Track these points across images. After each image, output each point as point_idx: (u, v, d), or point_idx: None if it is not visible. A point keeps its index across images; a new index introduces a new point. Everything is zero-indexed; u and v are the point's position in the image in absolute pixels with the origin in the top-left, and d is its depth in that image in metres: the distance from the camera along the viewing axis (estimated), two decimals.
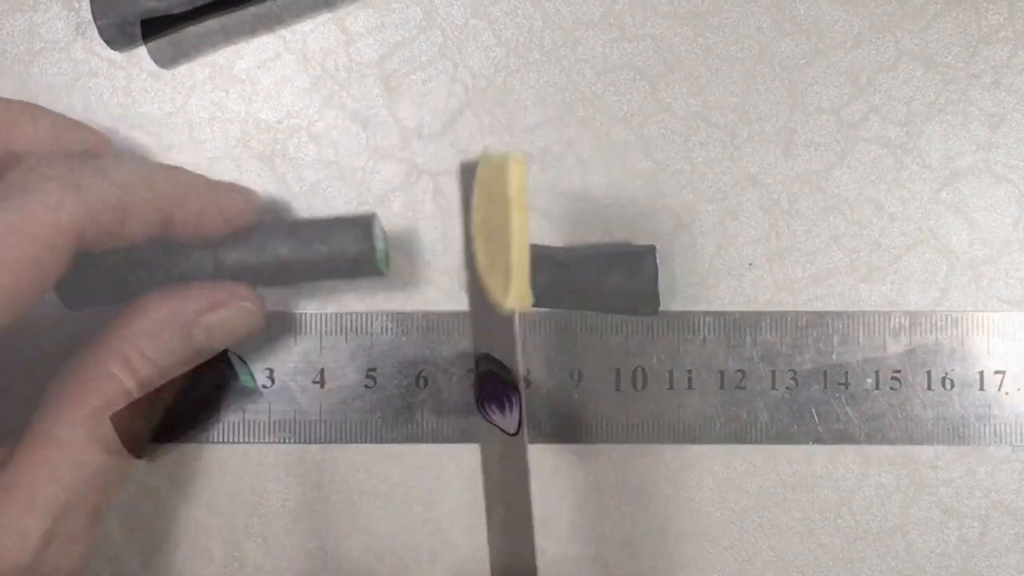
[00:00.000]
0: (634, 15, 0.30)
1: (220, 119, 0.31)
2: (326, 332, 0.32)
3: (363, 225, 0.28)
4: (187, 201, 0.25)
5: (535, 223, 0.30)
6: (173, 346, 0.25)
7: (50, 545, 0.24)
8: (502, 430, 0.28)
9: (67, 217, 0.22)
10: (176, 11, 0.29)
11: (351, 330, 0.32)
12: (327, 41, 0.31)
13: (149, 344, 0.25)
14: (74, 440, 0.24)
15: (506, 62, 0.30)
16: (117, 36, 0.29)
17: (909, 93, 0.30)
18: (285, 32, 0.31)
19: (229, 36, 0.31)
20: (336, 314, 0.31)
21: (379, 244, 0.28)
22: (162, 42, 0.31)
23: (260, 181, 0.31)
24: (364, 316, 0.32)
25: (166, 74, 0.31)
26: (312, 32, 0.31)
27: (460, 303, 0.31)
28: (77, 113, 0.31)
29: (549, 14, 0.30)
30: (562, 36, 0.30)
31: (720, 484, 0.30)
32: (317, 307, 0.31)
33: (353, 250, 0.27)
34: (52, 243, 0.22)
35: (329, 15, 0.31)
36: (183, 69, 0.31)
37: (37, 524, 0.24)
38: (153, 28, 0.30)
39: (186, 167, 0.30)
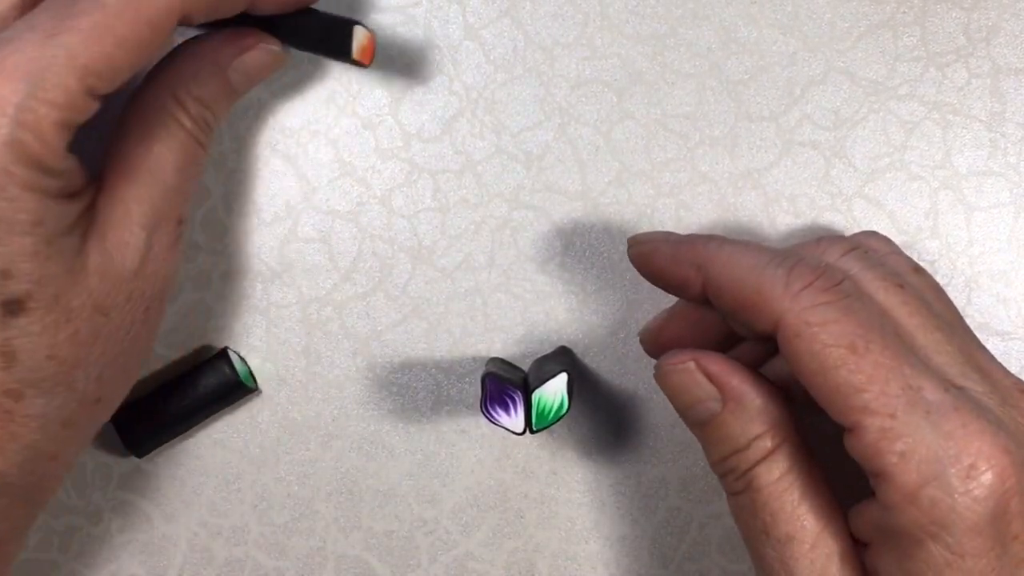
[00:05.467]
0: (603, 36, 0.31)
1: (252, 126, 0.32)
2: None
3: (222, 359, 0.30)
4: None
5: (520, 213, 0.32)
6: (213, 87, 0.27)
7: (149, 253, 0.25)
8: (509, 431, 0.27)
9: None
10: None
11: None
12: None
13: (194, 85, 0.26)
14: (154, 166, 0.26)
15: (494, 76, 0.32)
16: None
17: (837, 103, 0.31)
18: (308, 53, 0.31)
19: None
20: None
21: (240, 367, 0.30)
22: None
23: (284, 178, 0.32)
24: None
25: None
26: None
27: (459, 297, 0.32)
28: None
29: (531, 36, 0.32)
30: (542, 54, 0.32)
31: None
32: (315, 310, 0.32)
33: (220, 384, 0.30)
34: (160, 24, 0.23)
35: None
36: None
37: (135, 236, 0.25)
38: None
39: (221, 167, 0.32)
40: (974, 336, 0.26)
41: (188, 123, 0.26)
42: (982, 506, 0.21)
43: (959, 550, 0.21)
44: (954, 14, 0.31)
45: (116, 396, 0.27)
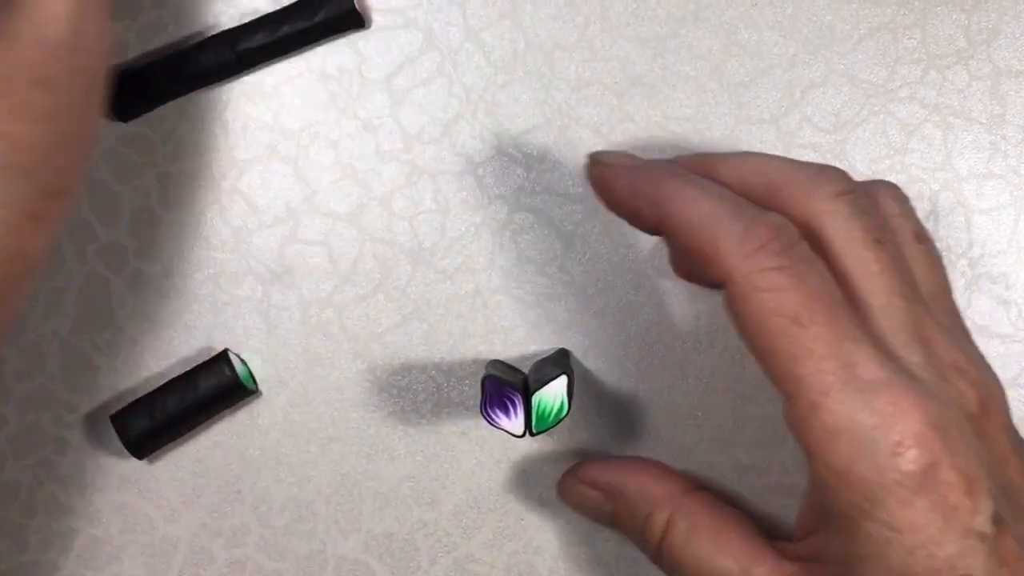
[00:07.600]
0: (603, 39, 0.32)
1: (251, 128, 0.32)
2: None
3: (222, 360, 0.30)
4: None
5: (520, 216, 0.32)
6: None
7: (81, 22, 0.23)
8: (509, 433, 0.27)
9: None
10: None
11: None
12: (342, 61, 0.32)
13: None
14: None
15: (495, 79, 0.32)
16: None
17: (837, 106, 0.31)
18: (308, 54, 0.32)
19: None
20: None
21: (240, 369, 0.30)
22: None
23: (285, 180, 0.32)
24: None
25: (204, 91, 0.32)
26: (329, 55, 0.32)
27: (459, 299, 0.32)
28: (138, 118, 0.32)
29: (531, 38, 0.32)
30: (542, 57, 0.32)
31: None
32: (316, 312, 0.32)
33: (220, 385, 0.30)
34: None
35: (344, 40, 0.32)
36: (223, 87, 0.32)
37: (63, 4, 0.23)
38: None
39: (222, 169, 0.32)
40: (950, 310, 0.26)
41: None
42: (912, 480, 0.21)
43: (896, 526, 0.21)
44: (955, 16, 0.31)
45: (75, 187, 0.25)
